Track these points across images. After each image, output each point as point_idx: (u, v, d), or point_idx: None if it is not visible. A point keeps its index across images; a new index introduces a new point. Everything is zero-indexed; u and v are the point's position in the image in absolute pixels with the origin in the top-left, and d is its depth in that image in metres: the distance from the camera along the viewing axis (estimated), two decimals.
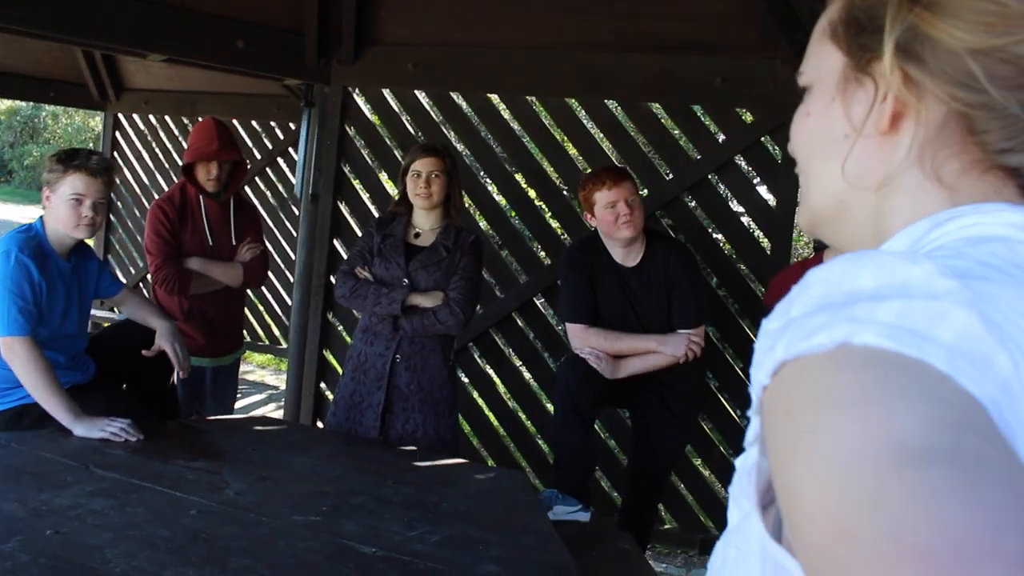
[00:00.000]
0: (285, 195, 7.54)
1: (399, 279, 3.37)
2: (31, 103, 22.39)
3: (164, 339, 3.13)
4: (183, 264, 3.69)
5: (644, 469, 3.69)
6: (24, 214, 17.96)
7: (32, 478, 2.41)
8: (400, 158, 4.75)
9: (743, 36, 3.99)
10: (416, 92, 4.72)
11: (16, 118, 23.19)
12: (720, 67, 4.02)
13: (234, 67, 4.52)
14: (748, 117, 4.21)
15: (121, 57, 7.71)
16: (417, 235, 3.47)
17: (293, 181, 7.36)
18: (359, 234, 4.85)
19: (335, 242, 4.86)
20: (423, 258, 3.39)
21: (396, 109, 4.82)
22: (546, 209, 4.67)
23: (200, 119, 3.93)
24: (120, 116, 8.29)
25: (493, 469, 3.34)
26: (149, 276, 3.72)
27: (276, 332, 7.77)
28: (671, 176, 4.35)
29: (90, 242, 8.67)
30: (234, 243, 3.88)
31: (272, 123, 7.50)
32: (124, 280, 7.93)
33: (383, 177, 4.96)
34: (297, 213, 7.27)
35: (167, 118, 8.01)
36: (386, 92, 4.76)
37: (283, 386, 7.24)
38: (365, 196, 4.88)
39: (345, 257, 4.86)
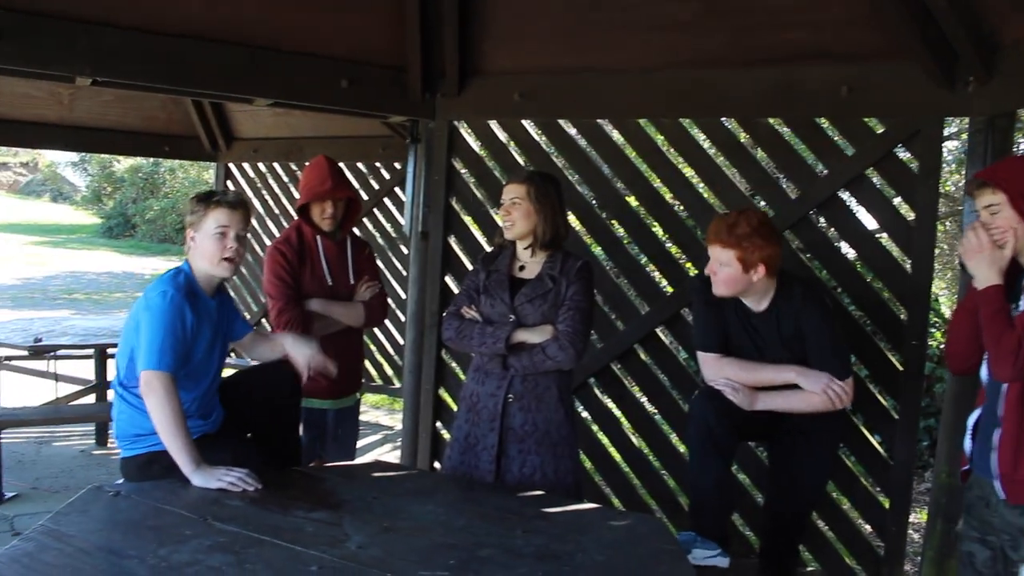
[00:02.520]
0: (393, 234, 7.54)
1: (505, 315, 3.22)
2: (151, 160, 23.59)
3: (292, 350, 3.18)
4: (304, 306, 3.63)
5: (785, 508, 3.41)
6: (146, 265, 18.71)
7: (152, 532, 2.33)
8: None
9: (869, 40, 3.73)
10: (523, 122, 4.59)
11: (138, 175, 24.28)
12: (845, 75, 3.76)
13: (339, 107, 4.49)
14: (878, 127, 3.93)
15: (230, 108, 7.93)
16: (522, 268, 3.31)
17: (401, 220, 7.42)
18: (471, 270, 4.75)
19: (447, 279, 4.76)
20: (528, 291, 3.22)
21: (504, 140, 4.70)
22: (665, 235, 4.46)
23: (309, 160, 3.89)
24: (231, 165, 8.48)
25: (626, 514, 3.12)
26: (268, 320, 3.67)
27: (389, 371, 7.74)
28: (797, 194, 4.09)
29: None
30: (352, 282, 3.80)
31: (377, 164, 7.54)
32: None
33: (493, 211, 4.82)
34: (405, 252, 7.30)
35: (275, 165, 8.16)
36: (493, 123, 4.66)
37: (398, 426, 7.20)
38: (475, 231, 4.76)
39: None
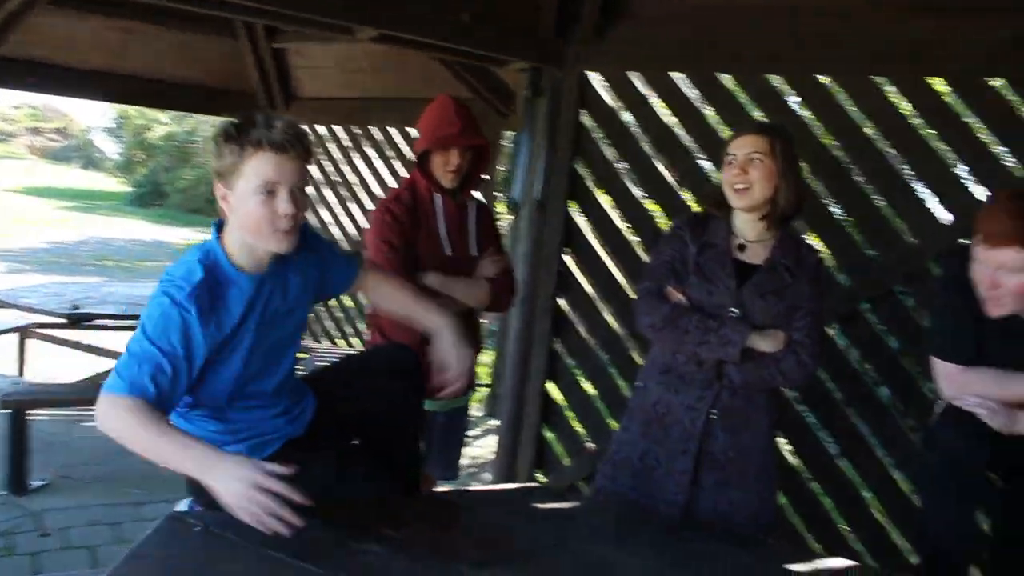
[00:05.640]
0: None
1: (724, 307, 2.46)
2: (186, 128, 23.02)
3: (447, 345, 2.29)
4: (419, 281, 2.88)
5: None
6: (176, 235, 18.15)
7: None
8: (653, 158, 3.90)
9: None
10: (674, 75, 3.81)
11: (171, 143, 23.70)
12: None
13: (457, 45, 3.74)
14: None
15: (293, 63, 7.23)
16: (742, 247, 2.53)
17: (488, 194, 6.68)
18: (595, 248, 4.02)
19: (565, 257, 4.03)
20: (761, 282, 2.46)
21: (649, 98, 3.93)
22: (844, 215, 3.69)
23: (433, 102, 3.04)
24: None
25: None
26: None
27: None
28: None
29: None
30: (474, 254, 3.06)
31: None
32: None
33: (629, 180, 4.05)
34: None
35: (338, 129, 7.45)
36: (635, 77, 3.90)
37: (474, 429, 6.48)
38: (606, 202, 4.01)
39: (579, 275, 4.05)
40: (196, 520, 1.90)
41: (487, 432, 6.32)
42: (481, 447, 5.97)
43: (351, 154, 7.37)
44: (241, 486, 1.72)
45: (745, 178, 2.46)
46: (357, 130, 7.30)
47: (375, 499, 2.14)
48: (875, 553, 3.43)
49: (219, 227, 2.05)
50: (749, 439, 2.52)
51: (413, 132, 6.72)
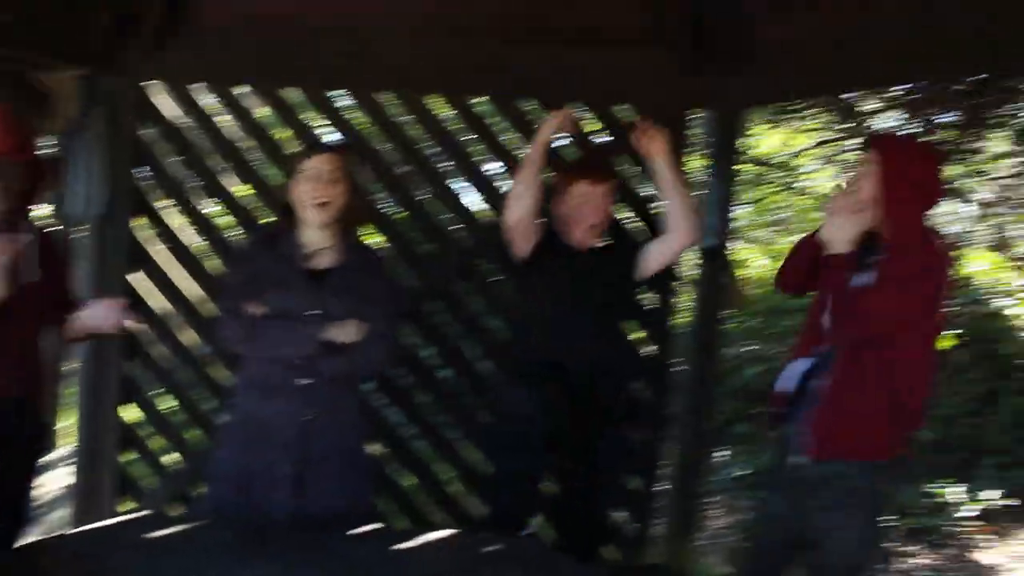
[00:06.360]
0: None
1: (303, 311, 2.63)
2: None
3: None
4: None
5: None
6: None
7: None
8: (220, 171, 3.93)
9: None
10: (239, 90, 3.89)
11: None
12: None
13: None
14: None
15: None
16: (313, 256, 2.72)
17: None
18: (160, 265, 3.91)
19: (131, 276, 3.87)
20: (334, 284, 2.69)
21: (215, 110, 3.90)
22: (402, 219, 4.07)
23: None
24: None
25: (498, 537, 2.70)
26: None
27: None
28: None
29: None
30: (34, 281, 2.66)
31: None
32: None
33: (194, 192, 3.98)
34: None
35: None
36: (200, 88, 3.87)
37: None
38: (175, 217, 3.91)
39: (151, 292, 3.92)
40: None
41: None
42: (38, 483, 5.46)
43: None
44: None
45: (326, 193, 2.66)
46: None
47: None
48: (458, 521, 3.87)
49: None
50: (340, 434, 2.72)
51: None
